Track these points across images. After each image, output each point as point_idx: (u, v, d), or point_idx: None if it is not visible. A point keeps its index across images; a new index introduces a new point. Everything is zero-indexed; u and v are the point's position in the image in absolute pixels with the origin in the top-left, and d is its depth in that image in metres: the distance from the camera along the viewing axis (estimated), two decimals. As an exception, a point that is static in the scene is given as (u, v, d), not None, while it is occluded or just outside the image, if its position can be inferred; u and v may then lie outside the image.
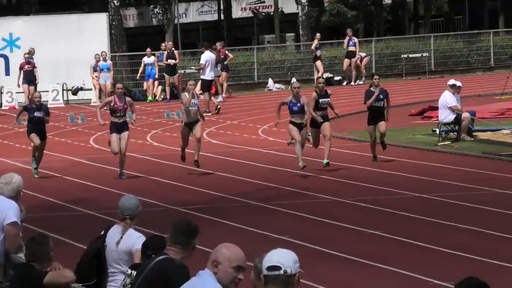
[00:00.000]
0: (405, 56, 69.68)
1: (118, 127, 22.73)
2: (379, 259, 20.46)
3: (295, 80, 31.09)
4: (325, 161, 32.14)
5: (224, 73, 60.73)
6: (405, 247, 22.37)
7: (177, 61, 58.41)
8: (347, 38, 66.21)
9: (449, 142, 40.40)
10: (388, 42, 74.28)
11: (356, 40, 67.37)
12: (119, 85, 23.87)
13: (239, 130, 49.65)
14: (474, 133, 43.35)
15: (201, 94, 35.84)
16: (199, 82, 47.24)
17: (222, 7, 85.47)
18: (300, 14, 75.78)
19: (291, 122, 28.06)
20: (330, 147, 32.75)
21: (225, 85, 59.87)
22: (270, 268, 7.12)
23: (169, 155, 38.03)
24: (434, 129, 41.98)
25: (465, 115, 41.54)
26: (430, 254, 21.31)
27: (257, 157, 39.94)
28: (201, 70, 55.46)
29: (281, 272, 7.08)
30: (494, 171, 36.57)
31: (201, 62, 55.17)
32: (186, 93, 25.30)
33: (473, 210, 29.63)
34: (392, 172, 34.57)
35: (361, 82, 66.47)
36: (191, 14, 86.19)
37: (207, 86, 53.70)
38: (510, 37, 71.40)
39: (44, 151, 26.80)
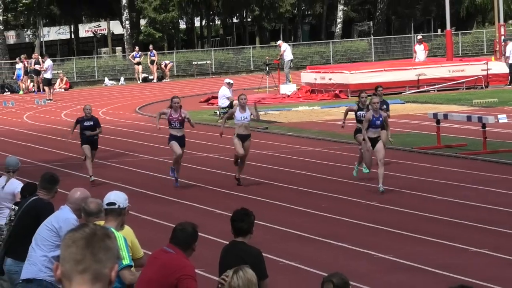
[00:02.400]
0: (195, 62, 76.37)
1: (177, 140, 21.76)
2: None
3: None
4: None
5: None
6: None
7: (41, 66, 63.77)
8: (150, 51, 72.10)
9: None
10: (183, 54, 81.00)
11: (155, 52, 73.69)
12: (176, 99, 21.80)
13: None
14: None
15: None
16: None
17: (72, 30, 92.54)
18: (125, 34, 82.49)
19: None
20: None
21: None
22: (108, 204, 10.54)
23: (40, 129, 41.40)
24: (215, 111, 45.97)
25: (235, 102, 38.56)
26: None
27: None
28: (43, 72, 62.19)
29: (116, 206, 10.48)
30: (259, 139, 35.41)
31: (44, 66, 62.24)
32: (237, 107, 22.69)
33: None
34: (192, 140, 30.39)
35: (167, 80, 72.97)
36: (52, 34, 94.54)
37: (47, 82, 60.73)
38: (264, 51, 76.97)
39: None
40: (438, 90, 51.77)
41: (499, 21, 64.37)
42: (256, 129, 38.32)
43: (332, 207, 23.39)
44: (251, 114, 22.60)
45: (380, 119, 21.09)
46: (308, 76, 56.25)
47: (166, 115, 22.16)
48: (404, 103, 47.73)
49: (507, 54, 55.62)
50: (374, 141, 20.80)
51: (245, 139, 22.08)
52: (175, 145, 22.24)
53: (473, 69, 55.20)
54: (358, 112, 23.89)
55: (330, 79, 54.55)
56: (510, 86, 51.53)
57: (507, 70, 53.99)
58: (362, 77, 54.31)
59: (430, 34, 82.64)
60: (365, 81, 53.12)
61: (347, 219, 21.64)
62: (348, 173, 27.43)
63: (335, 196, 25.16)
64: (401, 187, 25.11)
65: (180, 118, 21.89)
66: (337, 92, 51.76)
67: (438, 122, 32.24)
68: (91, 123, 24.31)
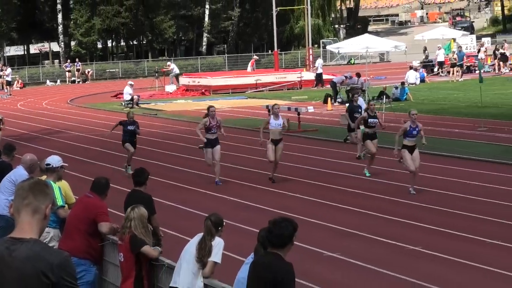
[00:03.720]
0: (108, 70, 73.90)
1: (212, 142, 18.21)
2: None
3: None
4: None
5: None
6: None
7: (4, 72, 59.86)
8: (77, 62, 70.04)
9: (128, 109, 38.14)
10: (100, 64, 76.58)
11: (80, 63, 70.68)
12: (212, 108, 18.72)
13: None
14: (140, 104, 42.66)
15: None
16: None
17: (25, 48, 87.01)
18: (60, 51, 79.04)
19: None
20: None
21: None
22: (46, 165, 10.41)
23: (4, 114, 33.87)
24: (121, 103, 43.18)
25: (136, 97, 43.08)
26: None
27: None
28: None
29: (50, 166, 10.29)
30: (151, 121, 35.34)
31: (6, 72, 58.54)
32: (272, 116, 18.88)
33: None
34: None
35: (89, 82, 68.93)
36: (12, 51, 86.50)
37: (8, 83, 57.23)
38: (154, 63, 72.08)
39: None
40: (269, 90, 50.98)
41: (308, 45, 64.39)
42: (149, 115, 38.77)
43: (181, 176, 21.01)
44: (283, 121, 18.74)
45: (417, 129, 16.86)
46: (184, 80, 55.65)
47: (206, 123, 18.41)
48: (247, 98, 47.34)
49: (316, 65, 55.03)
50: (411, 149, 16.70)
51: (277, 142, 18.47)
52: (209, 153, 18.59)
53: (291, 76, 55.00)
54: (369, 120, 19.62)
55: (198, 82, 54.11)
56: (316, 88, 51.35)
57: (313, 77, 54.18)
58: (220, 81, 54.50)
59: (264, 53, 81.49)
60: (222, 83, 53.37)
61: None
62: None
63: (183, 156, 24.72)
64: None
65: (217, 124, 18.49)
66: (203, 91, 51.38)
67: (269, 110, 30.18)
68: (133, 127, 20.18)
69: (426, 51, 58.51)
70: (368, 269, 11.83)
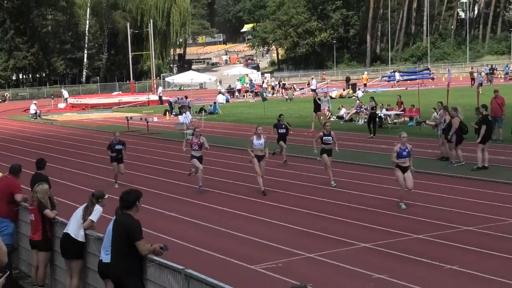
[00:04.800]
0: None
1: (197, 157, 14.82)
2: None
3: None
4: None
5: None
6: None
7: None
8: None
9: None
10: (14, 90, 70.70)
11: None
12: (198, 129, 15.77)
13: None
14: (42, 116, 39.92)
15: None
16: None
17: None
18: None
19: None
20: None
21: None
22: None
23: None
24: (28, 115, 40.49)
25: (38, 111, 39.96)
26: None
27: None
28: None
29: None
30: (51, 127, 33.70)
31: None
32: (254, 136, 14.72)
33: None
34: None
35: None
36: None
37: None
38: (53, 89, 67.30)
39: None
40: (128, 107, 47.92)
41: (153, 77, 62.59)
42: (48, 123, 36.83)
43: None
44: (264, 140, 14.72)
45: (407, 150, 12.46)
46: (71, 100, 52.96)
47: (189, 140, 15.01)
48: (113, 112, 44.54)
49: (158, 91, 52.22)
50: (404, 169, 12.27)
51: (260, 159, 14.51)
52: (196, 162, 14.81)
53: (143, 97, 52.36)
54: (324, 137, 15.03)
55: (80, 101, 52.29)
56: (159, 105, 46.78)
57: (157, 98, 51.16)
58: (95, 100, 52.39)
59: (124, 83, 75.82)
60: (96, 102, 51.36)
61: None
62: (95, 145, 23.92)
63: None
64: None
65: (199, 142, 14.78)
66: (83, 107, 49.05)
67: (130, 118, 30.70)
68: (120, 147, 15.55)
69: (231, 83, 57.92)
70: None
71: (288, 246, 9.59)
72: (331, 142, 14.60)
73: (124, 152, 15.37)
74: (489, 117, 16.74)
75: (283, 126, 17.59)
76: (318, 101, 26.59)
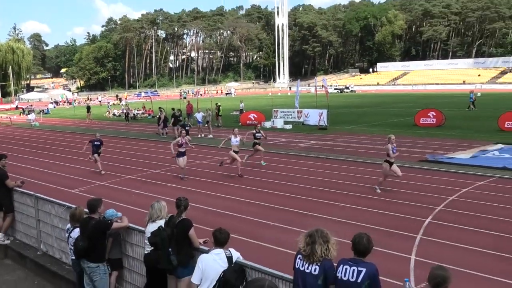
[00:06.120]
0: None
1: (181, 154, 15.54)
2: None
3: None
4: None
5: None
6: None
7: None
8: None
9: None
10: None
11: None
12: (184, 132, 16.23)
13: None
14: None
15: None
16: None
17: None
18: None
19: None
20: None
21: None
22: None
23: None
24: None
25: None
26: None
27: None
28: None
29: None
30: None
31: None
32: (232, 136, 16.16)
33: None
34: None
35: None
36: None
37: None
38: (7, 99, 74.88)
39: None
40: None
41: (14, 95, 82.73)
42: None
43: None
44: (240, 139, 16.16)
45: (395, 148, 13.09)
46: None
47: (178, 142, 15.62)
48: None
49: (16, 103, 70.57)
50: (391, 164, 12.95)
51: (236, 152, 15.95)
52: (181, 160, 15.53)
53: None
54: (256, 134, 17.57)
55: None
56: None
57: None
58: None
59: None
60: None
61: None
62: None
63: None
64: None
65: (186, 142, 15.74)
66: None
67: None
68: (98, 143, 17.34)
69: (57, 98, 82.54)
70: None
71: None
72: (260, 138, 17.91)
73: (101, 147, 17.60)
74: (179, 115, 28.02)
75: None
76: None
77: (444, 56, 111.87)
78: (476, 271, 7.80)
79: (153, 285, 6.19)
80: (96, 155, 17.35)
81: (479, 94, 58.67)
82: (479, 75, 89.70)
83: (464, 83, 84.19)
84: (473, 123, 28.59)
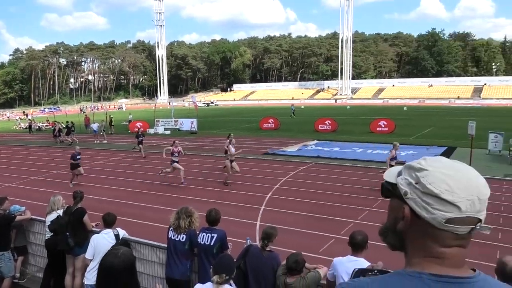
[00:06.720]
0: None
1: (174, 162, 12.58)
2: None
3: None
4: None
5: None
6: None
7: None
8: None
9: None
10: None
11: None
12: (177, 142, 13.14)
13: None
14: None
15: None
16: None
17: None
18: None
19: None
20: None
21: None
22: None
23: None
24: None
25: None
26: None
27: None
28: None
29: None
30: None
31: None
32: (230, 145, 12.99)
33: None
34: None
35: None
36: None
37: None
38: None
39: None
40: None
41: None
42: None
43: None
44: (234, 150, 12.99)
45: (398, 154, 11.50)
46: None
47: (169, 150, 13.02)
48: None
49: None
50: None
51: (232, 161, 12.84)
52: (177, 165, 12.84)
53: None
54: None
55: None
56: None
57: None
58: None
59: None
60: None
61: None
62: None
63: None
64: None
65: (179, 150, 12.90)
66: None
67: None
68: (79, 156, 13.22)
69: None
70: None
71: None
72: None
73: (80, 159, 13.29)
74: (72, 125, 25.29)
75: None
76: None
77: (279, 80, 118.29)
78: (299, 228, 8.16)
79: (54, 265, 5.78)
80: (77, 169, 13.44)
81: (302, 107, 60.64)
82: (302, 93, 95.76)
83: (293, 99, 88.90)
84: (298, 126, 29.78)
